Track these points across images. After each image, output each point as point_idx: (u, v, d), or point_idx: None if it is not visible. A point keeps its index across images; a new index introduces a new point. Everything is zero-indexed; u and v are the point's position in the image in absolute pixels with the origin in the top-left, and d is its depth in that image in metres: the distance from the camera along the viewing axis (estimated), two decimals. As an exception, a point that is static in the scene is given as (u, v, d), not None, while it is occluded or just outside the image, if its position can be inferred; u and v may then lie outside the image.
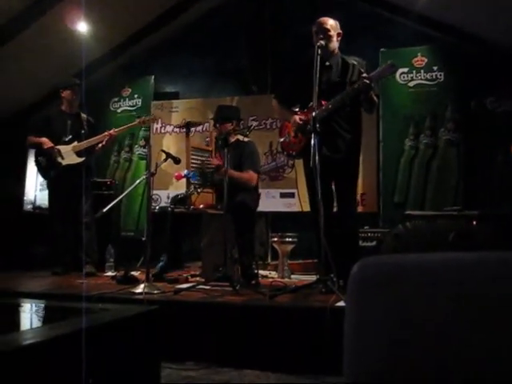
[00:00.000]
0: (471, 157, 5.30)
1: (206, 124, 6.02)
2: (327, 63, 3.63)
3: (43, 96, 6.44)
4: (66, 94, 4.95)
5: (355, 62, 3.64)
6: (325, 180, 3.34)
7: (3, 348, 1.14)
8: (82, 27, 5.39)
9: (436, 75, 5.51)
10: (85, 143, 4.74)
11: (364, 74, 3.43)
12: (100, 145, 4.80)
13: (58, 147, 4.76)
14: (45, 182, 6.11)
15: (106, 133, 4.76)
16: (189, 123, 4.50)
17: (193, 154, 4.28)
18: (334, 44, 3.66)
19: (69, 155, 4.75)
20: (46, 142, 4.74)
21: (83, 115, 5.04)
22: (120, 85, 6.67)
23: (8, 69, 5.51)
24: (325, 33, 3.60)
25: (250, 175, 4.26)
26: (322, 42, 3.48)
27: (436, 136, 5.43)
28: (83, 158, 4.75)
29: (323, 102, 3.44)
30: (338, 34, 3.69)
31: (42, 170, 4.92)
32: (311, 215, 3.64)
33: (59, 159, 4.74)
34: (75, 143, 4.78)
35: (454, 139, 5.37)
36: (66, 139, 4.81)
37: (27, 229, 5.67)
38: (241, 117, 4.56)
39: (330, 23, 3.65)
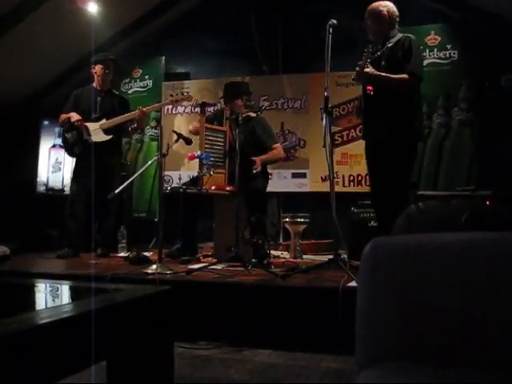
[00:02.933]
0: (485, 136, 5.23)
1: (218, 105, 6.00)
2: (378, 53, 3.56)
3: (54, 78, 6.43)
4: (97, 68, 4.76)
5: (390, 44, 3.56)
6: (375, 161, 3.57)
7: (19, 327, 1.16)
8: (92, 7, 5.36)
9: (450, 54, 5.42)
10: (113, 121, 4.61)
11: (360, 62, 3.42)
12: (133, 126, 4.68)
13: (86, 124, 4.60)
14: (57, 164, 6.08)
15: (137, 110, 4.56)
16: (204, 103, 4.45)
17: (207, 135, 4.25)
18: (380, 27, 3.62)
19: (96, 133, 4.58)
20: (75, 116, 4.59)
21: (115, 92, 4.95)
22: (131, 66, 6.63)
23: (19, 52, 5.50)
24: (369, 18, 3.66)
25: (277, 150, 4.50)
26: (334, 21, 3.44)
27: (449, 116, 5.36)
28: (110, 136, 4.62)
29: (369, 88, 3.47)
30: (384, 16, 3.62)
31: (68, 146, 4.74)
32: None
33: (86, 136, 4.57)
34: (103, 121, 4.62)
35: (467, 119, 5.29)
36: (95, 116, 4.65)
37: (40, 210, 5.71)
38: (250, 90, 4.55)
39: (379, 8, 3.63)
